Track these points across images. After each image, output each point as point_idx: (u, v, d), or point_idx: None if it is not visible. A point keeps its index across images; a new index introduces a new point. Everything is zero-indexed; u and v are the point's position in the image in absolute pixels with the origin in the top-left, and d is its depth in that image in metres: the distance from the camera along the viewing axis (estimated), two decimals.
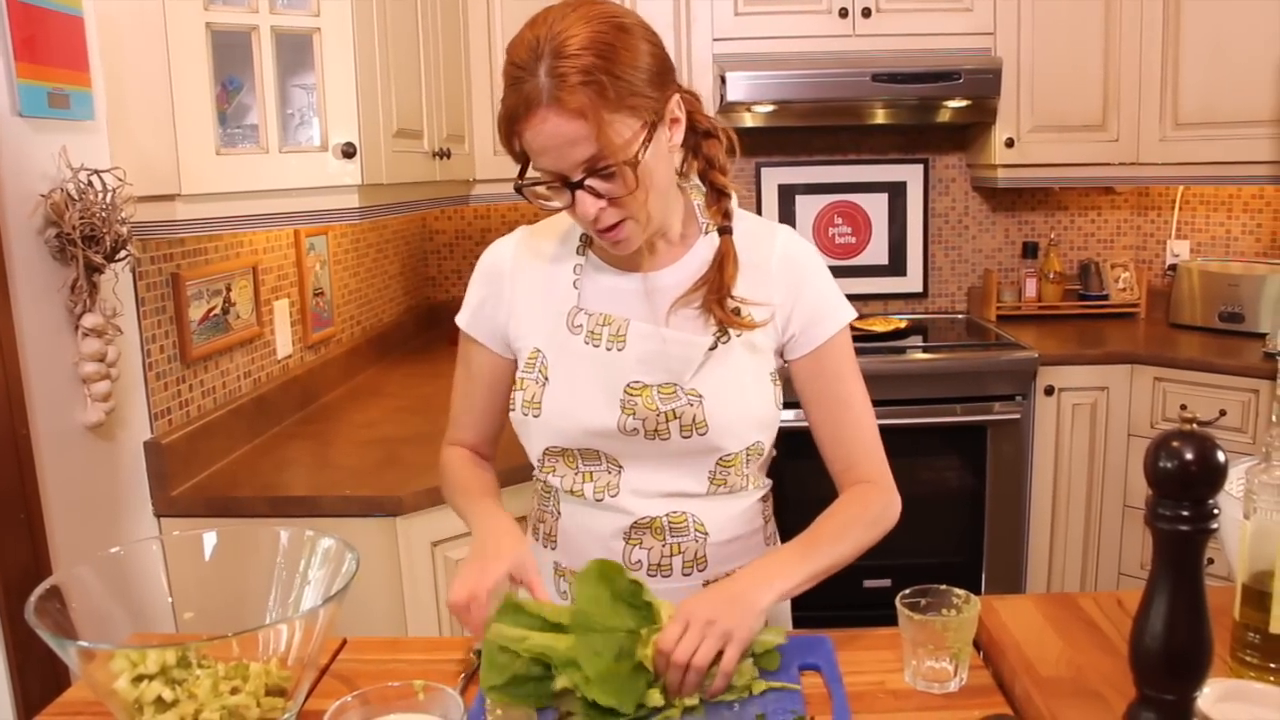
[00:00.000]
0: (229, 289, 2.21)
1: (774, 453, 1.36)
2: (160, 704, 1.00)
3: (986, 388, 2.96)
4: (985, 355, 3.01)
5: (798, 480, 1.38)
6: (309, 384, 2.59)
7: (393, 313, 3.35)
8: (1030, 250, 3.54)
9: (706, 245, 1.27)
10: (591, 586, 1.10)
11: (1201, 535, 0.85)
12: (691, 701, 1.08)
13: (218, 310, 2.16)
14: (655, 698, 1.08)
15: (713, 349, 1.23)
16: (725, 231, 1.26)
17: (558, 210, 1.20)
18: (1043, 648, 1.14)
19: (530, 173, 1.16)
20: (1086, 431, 3.02)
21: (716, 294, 1.22)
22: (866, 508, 1.28)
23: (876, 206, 3.59)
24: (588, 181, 1.12)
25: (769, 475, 1.38)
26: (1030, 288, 3.53)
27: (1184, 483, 0.84)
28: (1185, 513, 0.84)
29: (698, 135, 1.26)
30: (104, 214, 1.61)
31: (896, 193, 3.59)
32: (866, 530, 1.26)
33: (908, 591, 1.14)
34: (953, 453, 3.01)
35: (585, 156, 1.10)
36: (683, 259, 1.28)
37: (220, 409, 2.15)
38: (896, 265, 3.62)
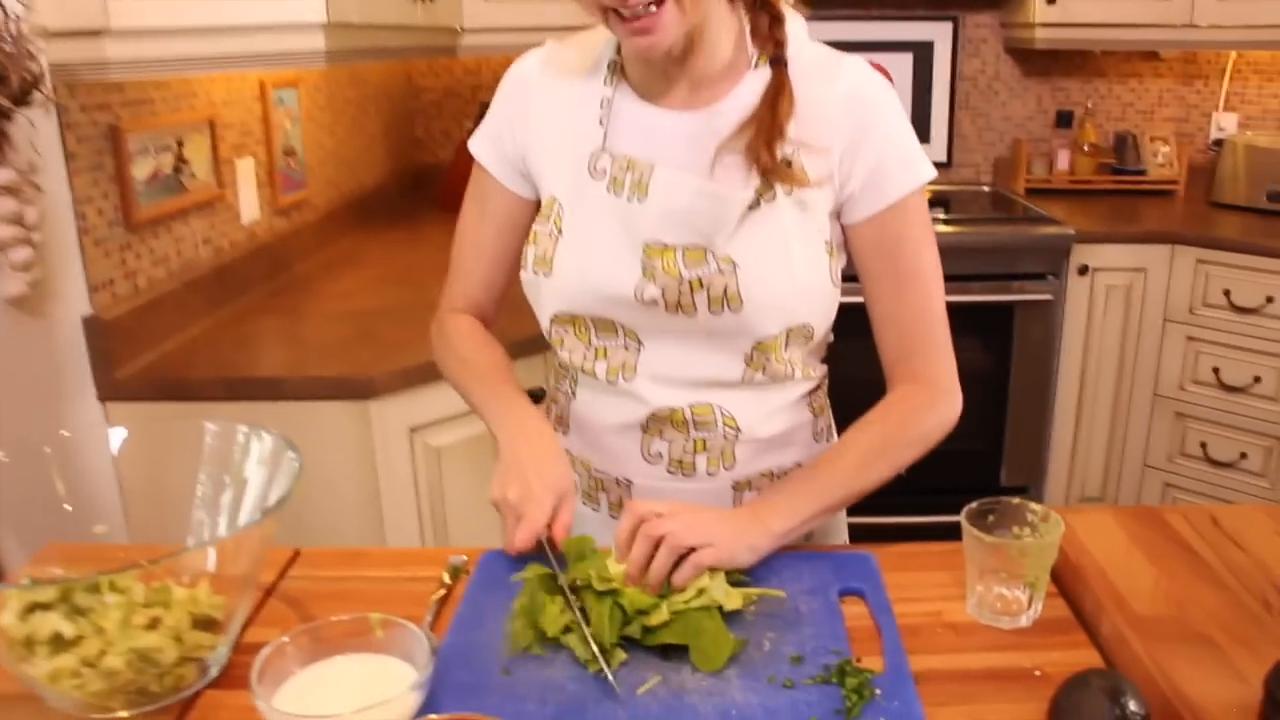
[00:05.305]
0: (181, 145, 1.95)
1: (831, 337, 1.14)
2: (58, 642, 0.81)
3: (1015, 265, 2.74)
4: (1014, 229, 2.80)
5: (857, 362, 1.17)
6: (278, 252, 2.36)
7: (374, 176, 3.08)
8: (1064, 119, 3.27)
9: (756, 80, 1.03)
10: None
11: None
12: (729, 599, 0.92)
13: (168, 169, 1.92)
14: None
15: (754, 207, 1.01)
16: (779, 62, 1.02)
17: None
18: (1132, 576, 0.95)
19: None
20: (1120, 315, 2.81)
21: (766, 135, 0.99)
22: (906, 423, 1.07)
23: (900, 67, 3.29)
24: None
25: (824, 361, 1.17)
26: (1062, 160, 3.27)
27: None
28: None
29: None
30: (9, 49, 1.35)
31: (922, 53, 3.30)
32: (903, 450, 1.06)
33: (974, 505, 0.94)
34: (975, 334, 2.79)
35: None
36: (729, 96, 1.04)
37: (174, 280, 1.92)
38: (920, 131, 3.26)
